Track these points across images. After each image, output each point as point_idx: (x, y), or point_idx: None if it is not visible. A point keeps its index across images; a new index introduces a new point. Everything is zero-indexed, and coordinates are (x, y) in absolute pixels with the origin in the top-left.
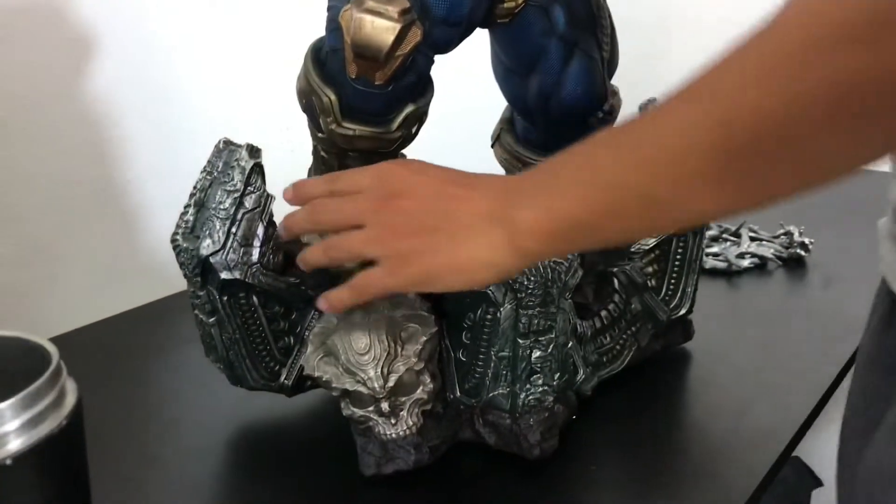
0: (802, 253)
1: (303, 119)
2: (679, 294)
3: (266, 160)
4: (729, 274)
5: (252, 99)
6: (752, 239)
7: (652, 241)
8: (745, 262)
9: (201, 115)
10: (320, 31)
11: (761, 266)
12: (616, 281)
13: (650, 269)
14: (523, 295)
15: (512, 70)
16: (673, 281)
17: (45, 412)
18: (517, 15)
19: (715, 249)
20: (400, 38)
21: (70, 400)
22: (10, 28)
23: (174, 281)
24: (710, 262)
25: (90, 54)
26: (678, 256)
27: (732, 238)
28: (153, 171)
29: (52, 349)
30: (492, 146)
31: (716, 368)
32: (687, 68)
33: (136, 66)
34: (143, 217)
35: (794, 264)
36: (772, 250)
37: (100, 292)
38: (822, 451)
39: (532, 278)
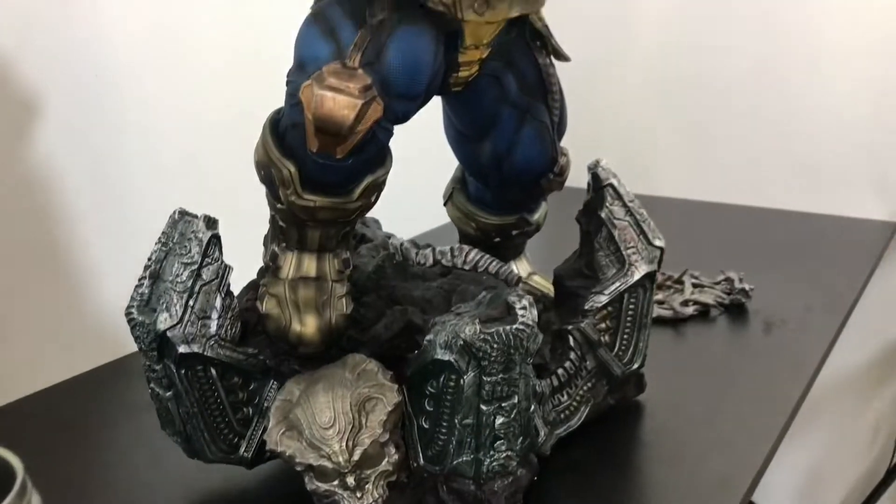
0: (743, 300)
1: (254, 183)
2: (632, 349)
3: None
4: (674, 322)
5: (203, 163)
6: (695, 286)
7: (605, 299)
8: (689, 310)
9: (147, 176)
10: (273, 98)
11: (704, 313)
12: (571, 338)
13: (604, 326)
14: (486, 363)
15: (465, 134)
16: (626, 336)
17: None
18: (470, 83)
19: (660, 297)
20: (361, 114)
21: None
22: None
23: (123, 343)
24: (656, 311)
25: (34, 116)
26: (630, 313)
27: (675, 285)
28: (98, 232)
29: (16, 463)
30: (444, 204)
31: (669, 419)
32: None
33: (81, 129)
34: (88, 279)
35: (735, 310)
36: (713, 297)
37: (45, 358)
38: (777, 495)
39: (495, 345)
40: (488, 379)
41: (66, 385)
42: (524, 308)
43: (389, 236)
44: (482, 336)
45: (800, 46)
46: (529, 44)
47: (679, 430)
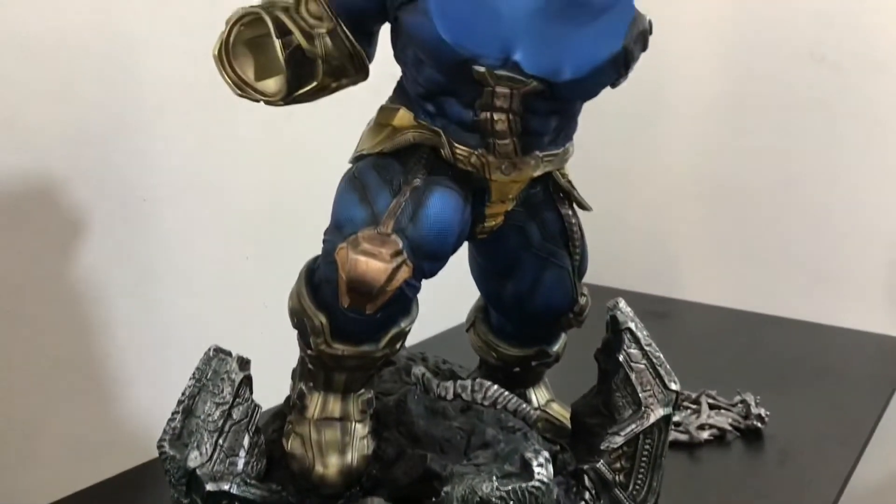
0: (759, 424)
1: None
2: (646, 488)
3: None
4: (690, 446)
5: (237, 283)
6: (711, 406)
7: (620, 440)
8: (705, 434)
9: (183, 292)
10: (301, 233)
11: (720, 437)
12: (587, 478)
13: (619, 465)
14: None
15: (489, 273)
16: (640, 476)
17: None
18: (496, 231)
19: (676, 418)
20: (391, 277)
21: None
22: (5, 214)
23: (145, 450)
24: (672, 435)
25: (79, 233)
26: (645, 454)
27: (692, 406)
28: (130, 346)
29: None
30: (466, 330)
31: None
32: None
33: (123, 246)
34: (119, 390)
35: (751, 436)
36: (730, 420)
37: (75, 465)
38: None
39: (511, 502)
40: None
41: (93, 489)
42: (541, 465)
43: (410, 358)
44: (499, 493)
45: (825, 162)
46: (553, 196)
47: None
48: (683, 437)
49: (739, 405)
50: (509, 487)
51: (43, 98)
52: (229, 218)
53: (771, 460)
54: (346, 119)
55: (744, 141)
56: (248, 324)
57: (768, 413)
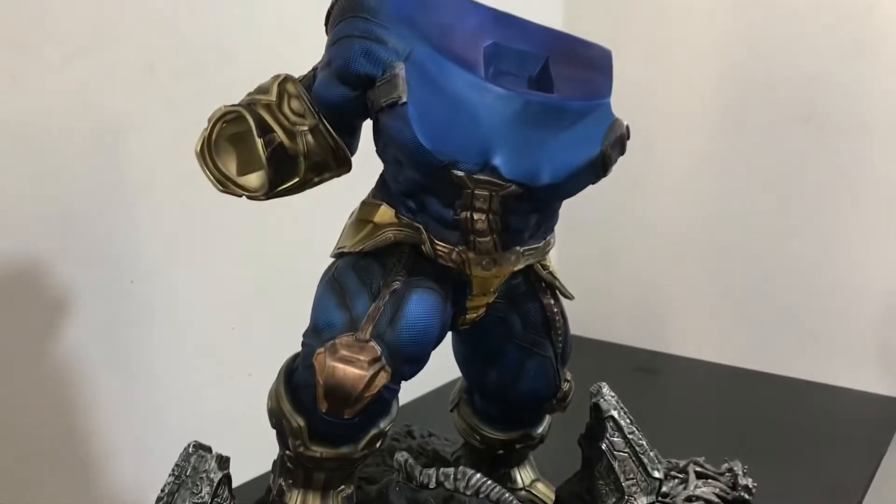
0: (746, 496)
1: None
2: None
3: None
4: None
5: (223, 358)
6: (699, 475)
7: None
8: None
9: (169, 367)
10: (288, 320)
11: None
12: None
13: None
14: None
15: (472, 360)
16: None
17: None
18: (477, 322)
19: (664, 490)
20: (369, 383)
21: None
22: None
23: None
24: None
25: (64, 314)
26: None
27: (680, 475)
28: (115, 420)
29: None
30: (450, 411)
31: None
32: None
33: (108, 325)
34: (104, 464)
35: None
36: (717, 490)
37: None
38: None
39: None
40: None
41: None
42: None
43: (396, 438)
44: None
45: (813, 221)
46: (535, 287)
47: None
48: None
49: (727, 474)
50: None
51: (27, 178)
52: (215, 290)
53: None
54: (331, 195)
55: (733, 200)
56: (233, 393)
57: (755, 484)
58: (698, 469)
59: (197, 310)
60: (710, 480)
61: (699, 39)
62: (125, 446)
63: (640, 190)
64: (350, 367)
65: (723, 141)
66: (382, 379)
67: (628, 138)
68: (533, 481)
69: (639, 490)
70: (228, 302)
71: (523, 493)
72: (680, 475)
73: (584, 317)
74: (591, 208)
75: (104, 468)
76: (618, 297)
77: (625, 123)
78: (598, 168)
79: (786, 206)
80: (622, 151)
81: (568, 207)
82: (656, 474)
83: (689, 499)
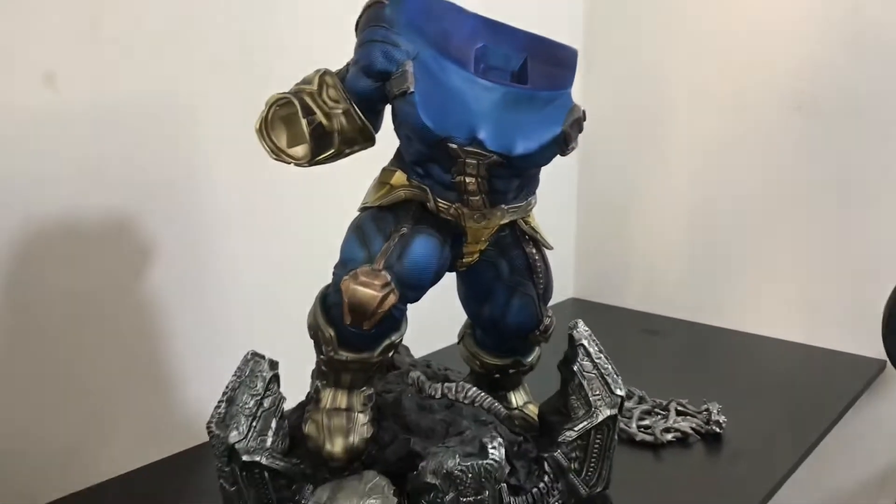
0: (717, 430)
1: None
2: (597, 475)
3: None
4: (655, 446)
5: (278, 298)
6: (679, 413)
7: (574, 434)
8: (669, 437)
9: (231, 305)
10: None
11: (683, 439)
12: (546, 464)
13: (573, 455)
14: (462, 487)
15: (470, 298)
16: (592, 465)
17: None
18: (472, 266)
19: (646, 422)
20: (381, 302)
21: None
22: (91, 245)
23: (198, 435)
24: (640, 436)
25: (147, 259)
26: (596, 446)
27: (662, 412)
28: (190, 350)
29: None
30: (457, 343)
31: None
32: None
33: (184, 268)
34: (176, 385)
35: (711, 438)
36: (692, 425)
37: (144, 444)
38: None
39: (469, 475)
40: (464, 500)
41: (155, 465)
42: (494, 448)
43: (413, 364)
44: (460, 467)
45: (803, 199)
46: (519, 238)
47: None
48: (649, 438)
49: (704, 412)
50: (468, 463)
51: (123, 152)
52: (270, 246)
53: (724, 458)
54: (360, 171)
55: (733, 180)
56: (284, 334)
57: (726, 420)
58: (679, 408)
59: (255, 262)
60: (688, 417)
61: (704, 31)
62: (196, 373)
63: (649, 170)
64: (367, 289)
65: (725, 126)
66: (391, 300)
67: (584, 120)
68: (525, 403)
69: (603, 404)
70: (281, 256)
71: (517, 412)
72: (662, 412)
73: (599, 285)
74: (605, 187)
75: (179, 390)
76: (629, 268)
77: (581, 108)
78: (560, 143)
79: (778, 184)
80: (580, 130)
81: (587, 190)
82: (618, 392)
83: (667, 429)
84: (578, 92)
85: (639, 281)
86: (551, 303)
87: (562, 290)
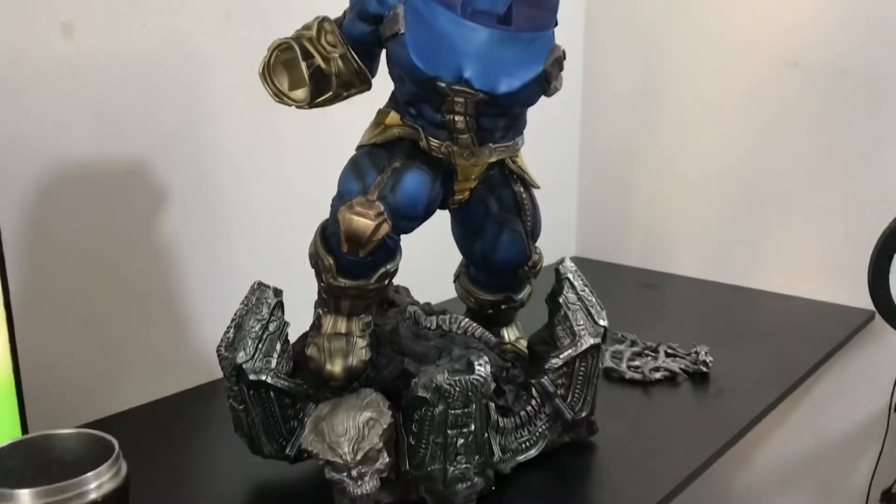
0: (704, 369)
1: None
2: (582, 401)
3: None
4: (644, 384)
5: (284, 240)
6: (668, 355)
7: (560, 362)
8: (658, 375)
9: (243, 247)
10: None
11: (672, 378)
12: (533, 389)
13: (560, 382)
14: (450, 400)
15: (462, 235)
16: (577, 391)
17: (112, 477)
18: (464, 203)
19: (636, 363)
20: (375, 231)
21: (123, 470)
22: (108, 190)
23: (212, 371)
24: (629, 374)
25: (163, 203)
26: (581, 373)
27: (652, 354)
28: (201, 291)
29: (114, 441)
30: (454, 282)
31: (612, 456)
32: None
33: (196, 211)
34: (191, 322)
35: (698, 377)
36: (681, 365)
37: (160, 377)
38: None
39: (457, 388)
40: (452, 412)
41: (171, 398)
42: (481, 365)
43: (412, 303)
44: (448, 382)
45: (796, 154)
46: (507, 177)
47: (617, 463)
48: (637, 376)
49: (693, 354)
50: (456, 378)
51: (135, 102)
52: (279, 194)
53: (710, 395)
54: (361, 117)
55: (730, 136)
56: (291, 275)
57: (712, 360)
58: (669, 350)
59: (265, 209)
60: (677, 358)
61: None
62: (208, 312)
63: (650, 128)
64: (361, 218)
65: (723, 84)
66: (385, 229)
67: (565, 59)
68: (517, 338)
69: (587, 333)
70: (287, 198)
71: (509, 346)
72: (652, 353)
73: (602, 243)
74: (608, 151)
75: (191, 326)
76: (630, 226)
77: (561, 48)
78: (542, 82)
79: (776, 140)
80: (561, 69)
81: (589, 151)
82: (601, 322)
83: (655, 368)
84: (580, 53)
85: (640, 239)
86: (553, 258)
87: (564, 249)
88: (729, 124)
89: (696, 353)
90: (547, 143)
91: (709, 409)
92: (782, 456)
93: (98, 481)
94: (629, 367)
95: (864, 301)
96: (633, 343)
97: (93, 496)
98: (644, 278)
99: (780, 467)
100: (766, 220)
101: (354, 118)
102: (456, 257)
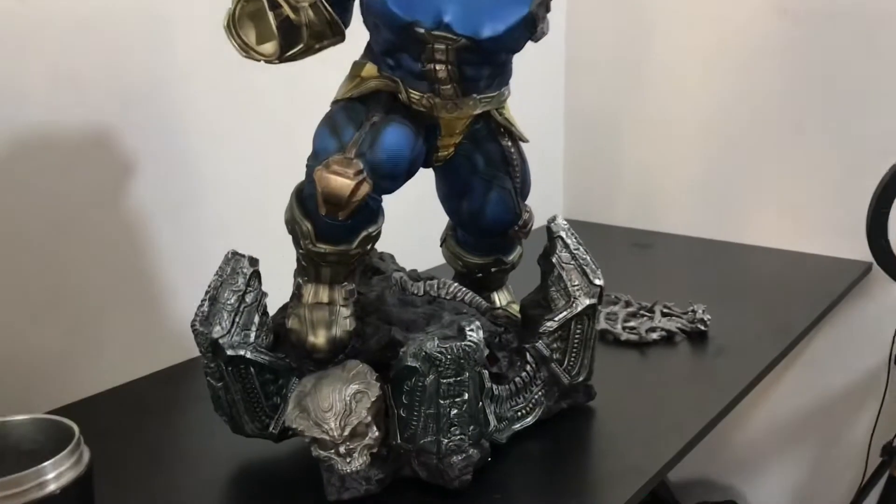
0: (702, 328)
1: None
2: (579, 365)
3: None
4: (640, 345)
5: (260, 210)
6: (664, 314)
7: (555, 325)
8: (654, 335)
9: (214, 219)
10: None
11: (669, 338)
12: (528, 354)
13: (555, 346)
14: (442, 368)
15: (448, 195)
16: (573, 355)
17: (73, 466)
18: (449, 160)
19: (632, 324)
20: (354, 191)
21: (86, 457)
22: (71, 158)
23: (188, 349)
24: (625, 336)
25: (129, 173)
26: (577, 336)
27: (647, 314)
28: (172, 259)
29: (74, 426)
30: (440, 246)
31: (611, 421)
32: None
33: (165, 182)
34: (164, 298)
35: (696, 337)
36: (678, 325)
37: (131, 358)
38: (756, 495)
39: (448, 356)
40: (444, 381)
41: (146, 379)
42: (472, 330)
43: (397, 269)
44: (439, 349)
45: (788, 104)
46: (494, 131)
47: (617, 429)
48: (634, 337)
49: (689, 313)
50: (447, 345)
51: (98, 65)
52: (255, 157)
53: (710, 354)
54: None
55: (719, 89)
56: (268, 245)
57: (710, 318)
58: (665, 309)
59: (236, 170)
60: (673, 318)
61: None
62: (182, 286)
63: (638, 82)
64: (339, 178)
65: (708, 33)
66: (365, 188)
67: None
68: (509, 303)
69: (583, 294)
70: (261, 163)
71: (500, 311)
72: (648, 313)
73: (589, 204)
74: (593, 108)
75: (164, 301)
76: (619, 186)
77: None
78: (529, 24)
79: (764, 90)
80: (548, 10)
81: (574, 109)
82: (597, 282)
83: (652, 329)
84: (563, 10)
85: (628, 198)
86: (541, 219)
87: (552, 210)
88: (716, 75)
89: (693, 311)
90: (530, 101)
91: (709, 368)
92: (781, 412)
93: (57, 470)
94: (624, 328)
95: (860, 253)
96: (628, 304)
97: (51, 487)
98: (634, 238)
99: (779, 424)
100: (758, 174)
101: (332, 74)
102: (442, 221)
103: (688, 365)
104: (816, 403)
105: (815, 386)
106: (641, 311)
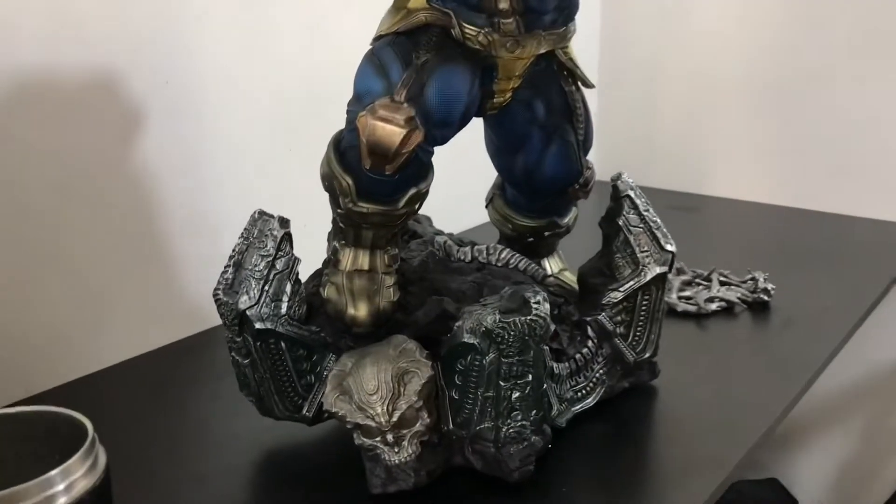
0: (765, 298)
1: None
2: (645, 340)
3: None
4: (699, 317)
5: (280, 168)
6: (722, 283)
7: (620, 296)
8: (713, 306)
9: (231, 178)
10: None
11: (729, 309)
12: (589, 328)
13: (619, 319)
14: (504, 346)
15: (501, 149)
16: (639, 329)
17: (87, 472)
18: (504, 107)
19: (687, 293)
20: (405, 140)
21: (102, 461)
22: (72, 108)
23: (205, 318)
24: (681, 307)
25: (138, 126)
26: (643, 308)
27: (704, 282)
28: (186, 227)
29: (87, 423)
30: (486, 207)
31: (677, 402)
32: None
33: (177, 137)
34: (179, 265)
35: (758, 307)
36: (738, 294)
37: (144, 329)
38: (798, 473)
39: (511, 332)
40: (506, 360)
41: (160, 351)
42: (538, 302)
43: (437, 233)
44: (501, 324)
45: (848, 64)
46: (557, 73)
47: (685, 412)
48: (692, 308)
49: (749, 282)
50: (510, 319)
51: (100, 3)
52: (271, 111)
53: (774, 327)
54: (372, 15)
55: (768, 45)
56: (290, 206)
57: (774, 287)
58: (722, 278)
59: (255, 122)
60: (732, 287)
61: None
62: (195, 252)
63: (677, 38)
64: (388, 125)
65: None
66: (417, 137)
67: None
68: (561, 270)
69: (652, 261)
70: (283, 113)
71: (552, 279)
72: (704, 282)
73: (623, 166)
74: (630, 60)
75: (177, 267)
76: (658, 145)
77: None
78: None
79: (826, 40)
80: None
81: (609, 70)
82: (669, 247)
83: (710, 299)
84: None
85: (667, 158)
86: None
87: None
88: (771, 21)
89: (754, 279)
90: None
91: (777, 342)
92: (828, 387)
93: (68, 480)
94: (680, 297)
95: None
96: (681, 271)
97: (61, 501)
98: (674, 200)
99: (825, 399)
100: (817, 132)
101: (357, 14)
102: (477, 177)
103: (753, 338)
104: (866, 379)
105: (864, 360)
106: (697, 280)
